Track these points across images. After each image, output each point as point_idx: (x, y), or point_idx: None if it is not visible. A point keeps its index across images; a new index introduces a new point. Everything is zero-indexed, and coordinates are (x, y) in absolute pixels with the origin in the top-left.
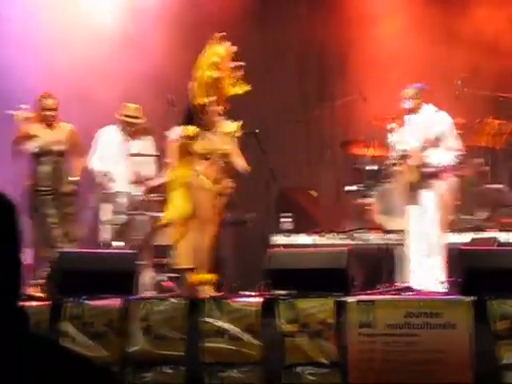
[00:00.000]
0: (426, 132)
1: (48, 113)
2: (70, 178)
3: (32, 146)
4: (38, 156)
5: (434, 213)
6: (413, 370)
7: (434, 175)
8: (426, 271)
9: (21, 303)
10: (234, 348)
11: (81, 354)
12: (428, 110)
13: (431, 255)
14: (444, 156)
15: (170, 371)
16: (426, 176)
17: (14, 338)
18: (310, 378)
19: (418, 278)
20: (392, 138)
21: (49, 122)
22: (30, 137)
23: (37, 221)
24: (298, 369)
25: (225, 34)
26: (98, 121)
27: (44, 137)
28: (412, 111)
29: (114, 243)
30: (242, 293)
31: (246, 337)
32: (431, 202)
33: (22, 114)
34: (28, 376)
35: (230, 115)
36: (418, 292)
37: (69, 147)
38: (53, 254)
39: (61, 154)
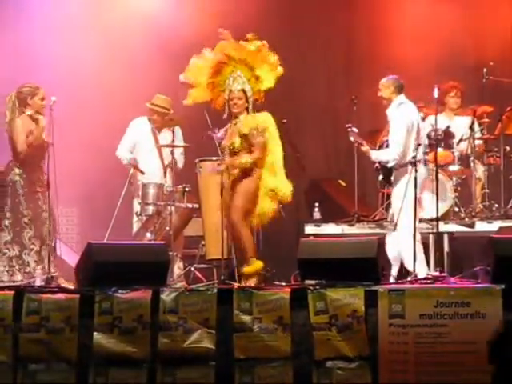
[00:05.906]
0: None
1: (45, 102)
2: None
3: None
4: (37, 149)
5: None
6: (444, 361)
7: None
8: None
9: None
10: (264, 342)
11: None
12: (395, 102)
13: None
14: (384, 152)
15: (200, 367)
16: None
17: None
18: (340, 372)
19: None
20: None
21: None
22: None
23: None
24: (329, 363)
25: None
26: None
27: (39, 129)
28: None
29: (146, 235)
30: (271, 283)
31: (277, 330)
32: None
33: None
34: None
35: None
36: (448, 281)
37: None
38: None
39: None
